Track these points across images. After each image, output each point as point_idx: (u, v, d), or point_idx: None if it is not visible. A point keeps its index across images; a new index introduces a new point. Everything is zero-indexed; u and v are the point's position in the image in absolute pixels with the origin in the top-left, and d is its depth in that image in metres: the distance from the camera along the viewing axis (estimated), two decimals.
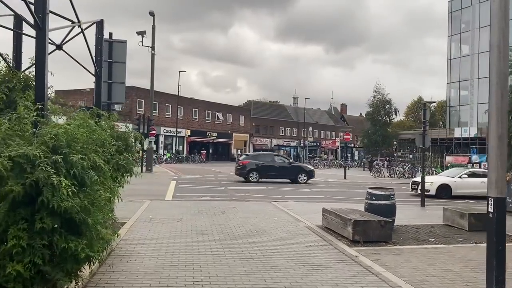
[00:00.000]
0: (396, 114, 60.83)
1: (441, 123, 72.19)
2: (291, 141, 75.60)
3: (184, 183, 22.06)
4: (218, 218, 10.99)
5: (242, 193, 18.07)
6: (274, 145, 71.05)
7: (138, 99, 48.71)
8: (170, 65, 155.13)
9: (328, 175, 33.86)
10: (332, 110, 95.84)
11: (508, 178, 11.35)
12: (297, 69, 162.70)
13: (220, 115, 62.27)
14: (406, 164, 37.22)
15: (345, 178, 30.00)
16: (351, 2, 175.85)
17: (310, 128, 74.76)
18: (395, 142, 65.44)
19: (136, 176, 7.04)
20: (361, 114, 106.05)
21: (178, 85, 52.91)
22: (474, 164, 43.27)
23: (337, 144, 54.09)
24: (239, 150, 61.76)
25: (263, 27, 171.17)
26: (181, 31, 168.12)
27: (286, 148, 75.30)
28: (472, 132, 47.19)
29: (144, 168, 28.15)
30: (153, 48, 28.75)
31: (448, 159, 47.47)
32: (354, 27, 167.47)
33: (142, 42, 28.40)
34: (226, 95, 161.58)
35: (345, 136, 30.61)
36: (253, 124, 68.74)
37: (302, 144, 72.64)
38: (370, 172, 37.66)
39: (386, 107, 59.37)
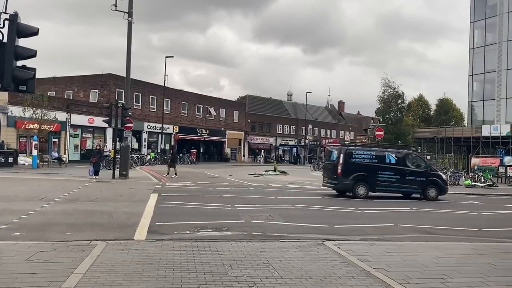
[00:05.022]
0: (409, 110, 54.95)
1: (453, 121, 66.18)
2: (290, 140, 68.81)
3: (170, 197, 15.12)
4: None
5: (263, 219, 11.31)
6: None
7: (117, 89, 41.60)
8: (151, 64, 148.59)
9: None
10: (329, 107, 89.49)
11: None
12: (278, 69, 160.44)
13: (212, 110, 55.32)
14: (448, 167, 30.76)
15: None
16: (324, 5, 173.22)
17: (310, 126, 68.19)
18: (399, 142, 59.85)
19: None
20: (358, 112, 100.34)
21: (165, 74, 45.61)
22: (508, 167, 37.42)
23: (347, 142, 47.90)
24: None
25: (241, 28, 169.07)
26: (159, 30, 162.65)
27: (285, 148, 68.54)
28: (504, 130, 41.05)
29: (117, 173, 21.21)
30: (130, 14, 21.85)
31: (475, 160, 41.17)
32: (329, 29, 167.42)
33: (115, 5, 21.53)
34: (209, 94, 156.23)
35: (377, 133, 24.10)
36: (249, 120, 61.86)
37: (302, 143, 66.06)
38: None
39: (399, 102, 53.36)
